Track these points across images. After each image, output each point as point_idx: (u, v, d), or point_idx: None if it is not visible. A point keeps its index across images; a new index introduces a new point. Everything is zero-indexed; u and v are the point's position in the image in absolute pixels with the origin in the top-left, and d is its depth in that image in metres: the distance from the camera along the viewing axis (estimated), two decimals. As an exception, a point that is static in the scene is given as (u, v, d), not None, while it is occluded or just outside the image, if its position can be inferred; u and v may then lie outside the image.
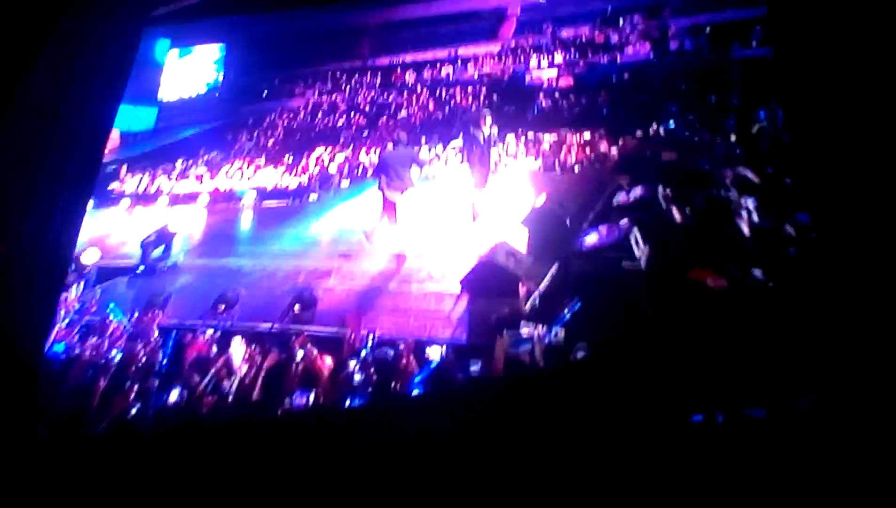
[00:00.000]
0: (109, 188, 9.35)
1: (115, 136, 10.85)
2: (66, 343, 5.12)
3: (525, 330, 4.63)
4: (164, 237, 6.76)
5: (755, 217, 5.64)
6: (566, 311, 4.70)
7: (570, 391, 3.66)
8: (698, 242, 5.38)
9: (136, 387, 4.51)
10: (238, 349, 4.77)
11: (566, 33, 11.12)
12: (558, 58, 10.64)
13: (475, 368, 4.17)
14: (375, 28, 12.44)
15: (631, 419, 3.34)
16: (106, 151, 11.02)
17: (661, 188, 6.26)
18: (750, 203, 5.82)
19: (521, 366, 4.13)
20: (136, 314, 5.46)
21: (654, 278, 5.25)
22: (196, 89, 12.49)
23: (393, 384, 4.23)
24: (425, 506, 3.24)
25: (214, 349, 4.93)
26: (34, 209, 3.81)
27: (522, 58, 10.99)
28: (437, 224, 6.85)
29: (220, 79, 12.44)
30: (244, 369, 4.60)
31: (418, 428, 3.65)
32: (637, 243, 5.63)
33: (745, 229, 5.44)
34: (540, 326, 4.65)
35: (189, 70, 12.49)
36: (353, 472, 3.39)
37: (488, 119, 6.80)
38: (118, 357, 4.81)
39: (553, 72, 10.43)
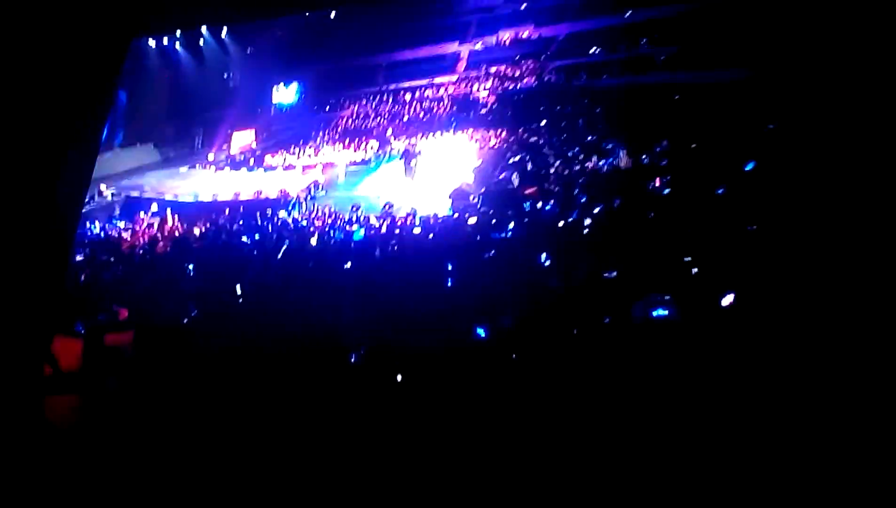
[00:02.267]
0: (266, 163, 17.26)
1: (252, 136, 18.74)
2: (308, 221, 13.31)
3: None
4: (316, 183, 14.82)
5: (559, 166, 14.29)
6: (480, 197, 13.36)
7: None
8: (534, 178, 14.00)
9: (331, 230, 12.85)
10: (373, 220, 13.14)
11: (493, 69, 19.31)
12: (488, 84, 18.91)
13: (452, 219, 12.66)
14: (385, 66, 20.35)
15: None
16: (250, 144, 18.98)
17: (526, 155, 14.89)
18: (557, 163, 14.47)
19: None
20: (318, 212, 13.68)
21: (517, 193, 13.86)
22: (289, 106, 20.36)
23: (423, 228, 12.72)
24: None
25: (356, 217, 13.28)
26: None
27: (469, 84, 19.16)
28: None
29: (301, 99, 20.38)
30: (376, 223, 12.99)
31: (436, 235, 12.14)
32: (515, 179, 14.18)
33: (553, 171, 14.10)
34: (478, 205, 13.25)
35: (286, 95, 20.26)
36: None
37: (417, 146, 15.52)
38: (318, 223, 13.10)
39: (486, 93, 18.66)
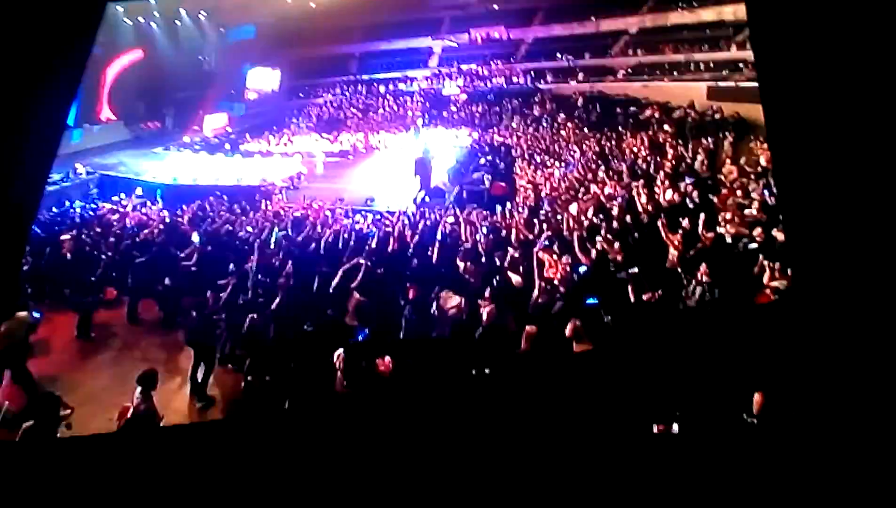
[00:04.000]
0: (243, 149, 17.45)
1: (225, 119, 18.83)
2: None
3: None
4: (299, 174, 15.34)
5: (526, 168, 15.48)
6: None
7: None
8: (502, 175, 15.14)
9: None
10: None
11: (465, 67, 20.24)
12: (460, 82, 19.80)
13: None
14: (359, 56, 20.86)
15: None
16: (223, 126, 19.06)
17: (497, 156, 16.01)
18: (524, 164, 15.64)
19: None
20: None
21: (488, 193, 14.97)
22: (264, 91, 20.55)
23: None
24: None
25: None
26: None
27: (441, 80, 20.06)
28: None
29: (277, 87, 20.63)
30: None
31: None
32: (484, 179, 15.28)
33: (519, 166, 15.28)
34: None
35: (261, 79, 20.38)
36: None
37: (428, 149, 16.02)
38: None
39: (457, 90, 19.60)
